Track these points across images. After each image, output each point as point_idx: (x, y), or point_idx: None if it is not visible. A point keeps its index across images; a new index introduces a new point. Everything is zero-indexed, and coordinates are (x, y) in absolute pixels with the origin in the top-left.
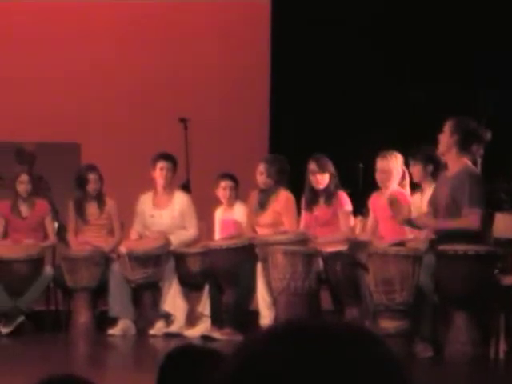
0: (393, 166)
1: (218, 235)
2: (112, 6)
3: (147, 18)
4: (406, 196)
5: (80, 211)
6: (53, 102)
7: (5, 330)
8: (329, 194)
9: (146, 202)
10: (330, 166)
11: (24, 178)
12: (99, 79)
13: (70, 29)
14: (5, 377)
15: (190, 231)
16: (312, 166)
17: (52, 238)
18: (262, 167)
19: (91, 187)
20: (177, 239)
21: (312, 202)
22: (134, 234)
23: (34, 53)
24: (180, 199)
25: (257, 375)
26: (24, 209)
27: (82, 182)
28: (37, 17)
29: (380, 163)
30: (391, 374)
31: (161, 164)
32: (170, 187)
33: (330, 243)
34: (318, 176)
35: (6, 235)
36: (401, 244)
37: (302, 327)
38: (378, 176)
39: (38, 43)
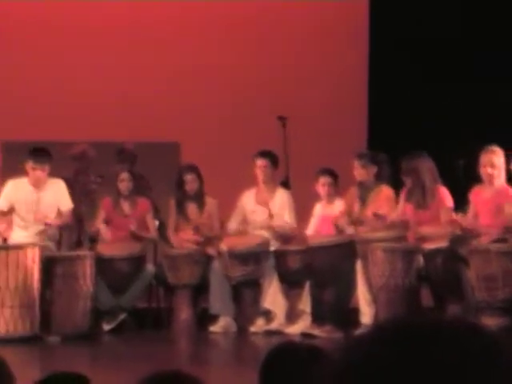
0: (500, 161)
1: (314, 231)
2: (212, 6)
3: (247, 17)
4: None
5: (181, 211)
6: (153, 101)
7: (107, 327)
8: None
9: (248, 198)
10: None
11: (125, 176)
12: (199, 79)
13: (172, 28)
14: (108, 373)
15: (290, 227)
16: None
17: (153, 234)
18: (359, 163)
19: (189, 187)
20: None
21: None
22: (230, 229)
23: (137, 53)
24: (281, 195)
25: (365, 376)
26: (126, 207)
27: (181, 183)
28: (139, 17)
29: (487, 157)
30: (504, 368)
31: (260, 161)
32: (271, 183)
33: (431, 239)
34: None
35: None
36: (502, 240)
37: (410, 326)
38: (484, 170)
39: (139, 44)
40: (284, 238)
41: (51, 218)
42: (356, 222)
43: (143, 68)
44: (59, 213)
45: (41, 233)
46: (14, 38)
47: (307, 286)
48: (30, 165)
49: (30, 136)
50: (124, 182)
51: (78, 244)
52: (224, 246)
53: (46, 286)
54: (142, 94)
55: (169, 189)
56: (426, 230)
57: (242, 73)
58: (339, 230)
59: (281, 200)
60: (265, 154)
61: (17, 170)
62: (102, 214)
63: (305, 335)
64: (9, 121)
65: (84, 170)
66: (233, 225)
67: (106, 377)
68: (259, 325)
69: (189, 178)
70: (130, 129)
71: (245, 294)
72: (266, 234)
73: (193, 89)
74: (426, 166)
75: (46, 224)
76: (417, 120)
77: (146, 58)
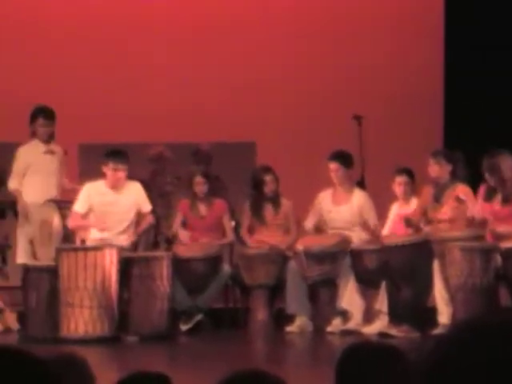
0: None
1: (390, 231)
2: (289, 6)
3: (322, 17)
4: None
5: (256, 211)
6: (229, 102)
7: (184, 328)
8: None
9: (325, 198)
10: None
11: (199, 179)
12: (275, 79)
13: (249, 27)
14: (186, 372)
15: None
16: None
17: (230, 236)
18: (433, 160)
19: (268, 188)
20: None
21: (491, 196)
22: (306, 229)
23: (214, 54)
24: (358, 196)
25: (445, 377)
26: (202, 208)
27: (257, 184)
28: (216, 17)
29: None
30: None
31: (331, 165)
32: (347, 184)
33: (509, 238)
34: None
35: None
36: None
37: (488, 326)
38: None
39: (215, 43)
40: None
41: (130, 219)
42: (431, 220)
43: (219, 68)
44: (139, 215)
45: (119, 234)
46: (92, 40)
47: (383, 285)
48: (109, 166)
49: (107, 138)
50: (199, 186)
51: (155, 245)
52: (300, 246)
53: (124, 287)
54: (218, 95)
55: (244, 189)
56: (504, 228)
57: (318, 72)
58: (415, 229)
59: (358, 201)
60: (335, 156)
61: (93, 173)
62: (179, 217)
63: (382, 335)
64: (85, 124)
65: (161, 171)
66: (309, 225)
67: (185, 376)
68: (336, 325)
69: (268, 178)
70: (205, 129)
71: (321, 294)
72: (342, 234)
73: (268, 89)
74: (508, 164)
75: (138, 234)
76: (494, 118)
77: (223, 58)
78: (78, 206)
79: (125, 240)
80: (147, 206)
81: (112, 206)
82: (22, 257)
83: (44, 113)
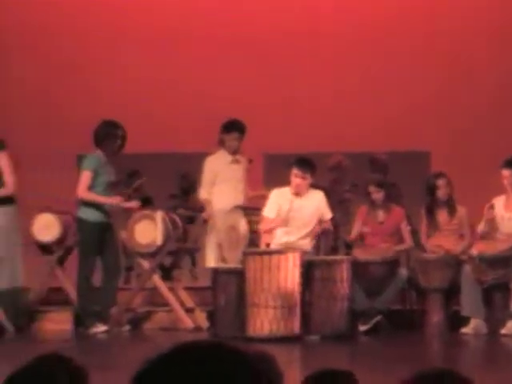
0: None
1: None
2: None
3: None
4: None
5: (431, 217)
6: (404, 113)
7: (363, 328)
8: None
9: (498, 204)
10: None
11: (373, 188)
12: (449, 90)
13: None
14: (367, 372)
15: None
16: None
17: (408, 242)
18: None
19: (441, 192)
20: None
21: None
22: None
23: (382, 67)
24: None
25: None
26: (380, 214)
27: (431, 189)
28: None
29: None
30: None
31: (504, 172)
32: None
33: None
34: None
35: (362, 238)
36: None
37: None
38: None
39: (386, 59)
40: None
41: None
42: None
43: (395, 82)
44: (320, 221)
45: (301, 238)
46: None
47: None
48: (295, 173)
49: (290, 148)
50: (374, 194)
51: (334, 249)
52: (475, 251)
53: (306, 289)
54: (393, 107)
55: (419, 196)
56: None
57: (489, 83)
58: None
59: None
60: (509, 164)
61: (277, 181)
62: (358, 223)
63: None
64: (269, 134)
65: (339, 179)
66: (482, 230)
67: (367, 376)
68: (510, 327)
69: (440, 183)
70: (382, 139)
71: (495, 298)
72: None
73: (443, 101)
74: None
75: (314, 234)
76: None
77: (397, 70)
78: (268, 212)
79: (307, 244)
80: (328, 214)
81: (296, 212)
82: (210, 260)
83: (239, 127)
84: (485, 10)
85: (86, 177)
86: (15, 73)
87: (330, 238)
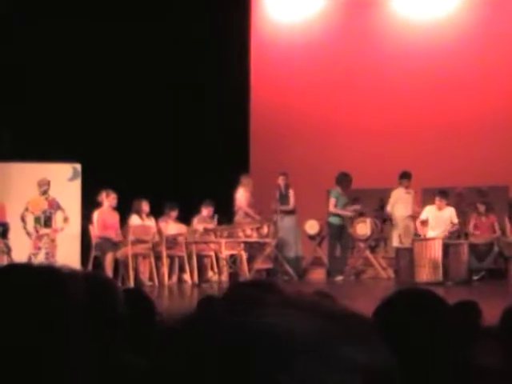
0: None
1: None
2: None
3: None
4: None
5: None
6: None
7: (475, 277)
8: None
9: None
10: None
11: (479, 204)
12: None
13: None
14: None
15: None
16: None
17: (498, 233)
18: None
19: None
20: None
21: None
22: None
23: None
24: None
25: None
26: (483, 218)
27: None
28: None
29: None
30: None
31: None
32: None
33: None
34: None
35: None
36: None
37: None
38: None
39: None
40: None
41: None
42: None
43: None
44: (452, 223)
45: (442, 232)
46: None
47: None
48: (437, 198)
49: (445, 183)
50: (479, 208)
51: (459, 237)
52: None
53: (445, 257)
54: None
55: (503, 210)
56: None
57: None
58: None
59: None
60: None
61: (429, 203)
62: (472, 223)
63: None
64: (425, 170)
65: (460, 201)
66: None
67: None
68: None
69: None
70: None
71: None
72: None
73: None
74: None
75: (449, 230)
76: None
77: None
78: (423, 216)
79: (445, 236)
80: (455, 220)
81: (439, 218)
82: (395, 242)
83: None
84: None
85: None
86: None
87: (456, 231)
